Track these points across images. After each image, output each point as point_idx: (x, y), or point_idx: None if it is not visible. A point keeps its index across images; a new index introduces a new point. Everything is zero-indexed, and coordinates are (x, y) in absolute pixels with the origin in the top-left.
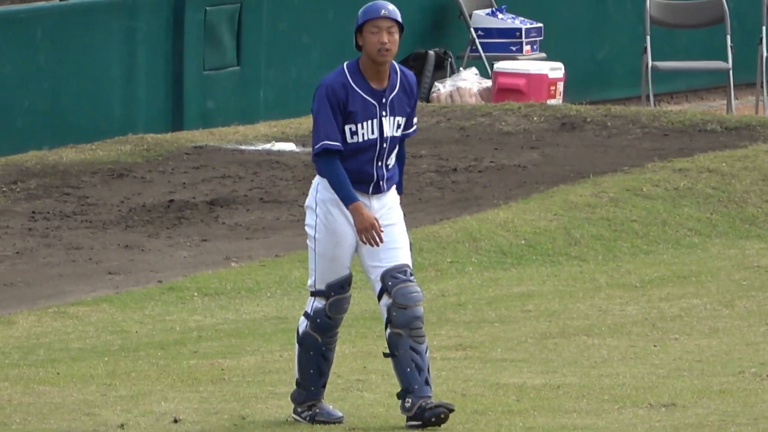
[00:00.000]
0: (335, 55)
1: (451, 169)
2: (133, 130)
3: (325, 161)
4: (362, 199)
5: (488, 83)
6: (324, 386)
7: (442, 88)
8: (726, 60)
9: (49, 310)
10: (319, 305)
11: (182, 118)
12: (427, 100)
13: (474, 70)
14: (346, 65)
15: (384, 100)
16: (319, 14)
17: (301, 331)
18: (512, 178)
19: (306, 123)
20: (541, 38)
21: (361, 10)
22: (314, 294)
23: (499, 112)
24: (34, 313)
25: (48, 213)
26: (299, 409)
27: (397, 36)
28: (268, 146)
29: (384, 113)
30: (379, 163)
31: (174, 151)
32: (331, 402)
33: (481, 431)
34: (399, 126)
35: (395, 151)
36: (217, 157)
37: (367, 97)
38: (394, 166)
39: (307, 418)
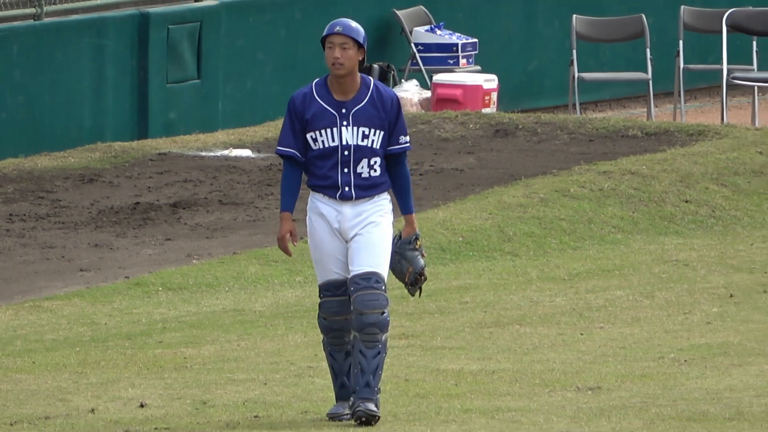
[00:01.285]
0: (287, 69)
1: None
2: (101, 139)
3: (284, 166)
4: (331, 204)
5: (428, 94)
6: (342, 387)
7: None
8: (646, 71)
9: (25, 304)
10: (319, 311)
11: (147, 128)
12: None
13: (415, 81)
14: (318, 79)
15: (345, 111)
16: (272, 33)
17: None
18: (450, 180)
19: (261, 131)
20: (476, 52)
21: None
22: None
23: (438, 120)
24: (11, 308)
25: (24, 215)
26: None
27: (351, 51)
28: (226, 152)
29: (345, 123)
30: (345, 170)
31: (139, 158)
32: (284, 387)
33: (423, 413)
34: (365, 136)
35: (368, 161)
36: (179, 163)
37: (327, 107)
38: (371, 179)
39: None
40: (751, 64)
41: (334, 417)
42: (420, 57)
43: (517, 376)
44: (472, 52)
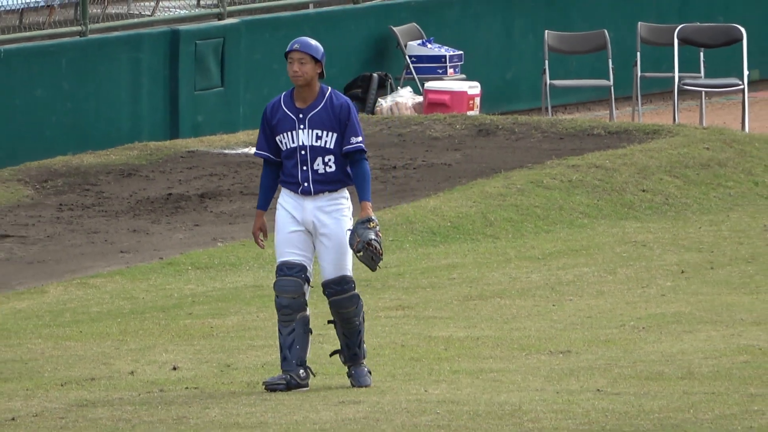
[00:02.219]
0: None
1: (391, 167)
2: (138, 139)
3: (263, 167)
4: (295, 198)
5: (420, 99)
6: (284, 360)
7: (384, 103)
8: (608, 78)
9: (74, 281)
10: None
11: (178, 129)
12: (372, 112)
13: (409, 88)
14: (286, 91)
15: (302, 116)
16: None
17: None
18: (440, 173)
19: None
20: (462, 63)
21: None
22: None
23: (429, 121)
24: (61, 284)
25: (72, 205)
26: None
27: (308, 66)
28: (246, 150)
29: (302, 126)
30: (304, 168)
31: (171, 155)
32: None
33: (417, 374)
34: (319, 138)
35: (322, 159)
36: (206, 160)
37: (289, 113)
38: (327, 174)
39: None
40: (699, 72)
41: (269, 386)
42: (413, 67)
43: (498, 341)
44: (459, 63)
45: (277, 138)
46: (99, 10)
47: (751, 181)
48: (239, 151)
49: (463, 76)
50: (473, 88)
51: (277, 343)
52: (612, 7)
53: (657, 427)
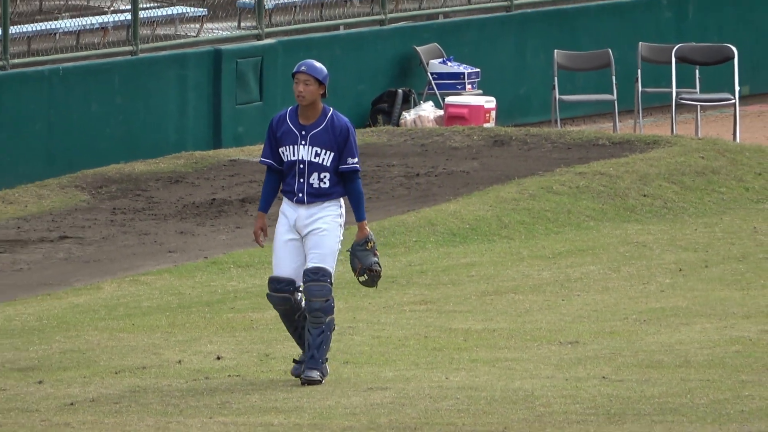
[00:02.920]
0: (329, 93)
1: (414, 174)
2: (184, 148)
3: (265, 173)
4: (291, 206)
5: (441, 112)
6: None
7: (408, 116)
8: (612, 93)
9: (126, 278)
10: None
11: (220, 140)
12: (397, 124)
13: (431, 103)
14: (292, 106)
15: (304, 132)
16: None
17: None
18: (459, 180)
19: None
20: (479, 79)
21: None
22: None
23: (449, 132)
24: (115, 281)
25: (124, 209)
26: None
27: (312, 87)
28: None
29: (303, 142)
30: (301, 180)
31: (215, 164)
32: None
33: (439, 363)
34: (317, 155)
35: (318, 174)
36: (246, 168)
37: (293, 128)
38: (321, 189)
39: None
40: (695, 87)
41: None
42: (435, 83)
43: (512, 333)
44: (476, 80)
45: (280, 149)
46: (149, 32)
47: (742, 186)
48: None
49: (480, 91)
50: (489, 102)
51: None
52: (616, 29)
53: (657, 410)
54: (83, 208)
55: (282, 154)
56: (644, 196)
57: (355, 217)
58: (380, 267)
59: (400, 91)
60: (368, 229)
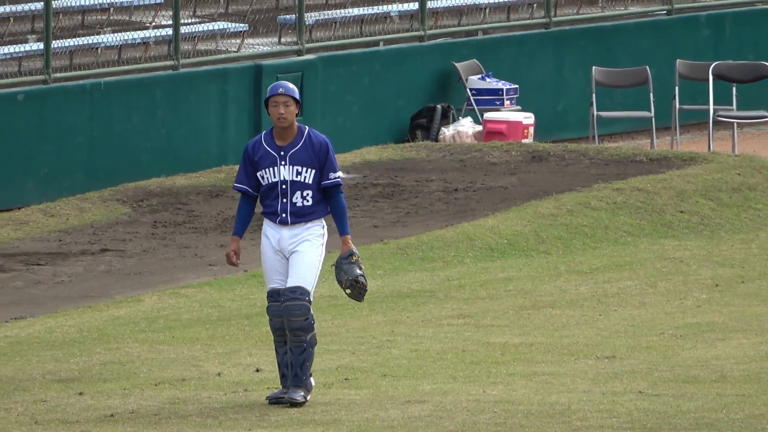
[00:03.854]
0: (369, 108)
1: (453, 189)
2: (225, 162)
3: (240, 199)
4: (274, 227)
5: (479, 128)
6: (283, 376)
7: (447, 131)
8: (649, 110)
9: (167, 291)
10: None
11: None
12: (436, 140)
13: (470, 118)
14: (266, 130)
15: (283, 153)
16: (358, 80)
17: None
18: (497, 195)
19: (349, 157)
20: (518, 96)
21: (268, 89)
22: None
23: (488, 148)
24: (156, 294)
25: (165, 222)
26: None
27: (291, 107)
28: None
29: (283, 163)
30: (284, 200)
31: None
32: (368, 356)
33: (476, 376)
34: (299, 173)
35: (301, 193)
36: None
37: (270, 151)
38: (304, 207)
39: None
40: (732, 105)
41: (272, 399)
42: (474, 99)
43: (549, 347)
44: (514, 96)
45: (259, 174)
46: (190, 47)
47: None
48: None
49: (519, 107)
50: (528, 118)
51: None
52: (653, 46)
53: (693, 425)
54: (124, 221)
55: (261, 178)
56: (681, 212)
57: (339, 231)
58: (365, 280)
59: (439, 106)
60: (352, 244)
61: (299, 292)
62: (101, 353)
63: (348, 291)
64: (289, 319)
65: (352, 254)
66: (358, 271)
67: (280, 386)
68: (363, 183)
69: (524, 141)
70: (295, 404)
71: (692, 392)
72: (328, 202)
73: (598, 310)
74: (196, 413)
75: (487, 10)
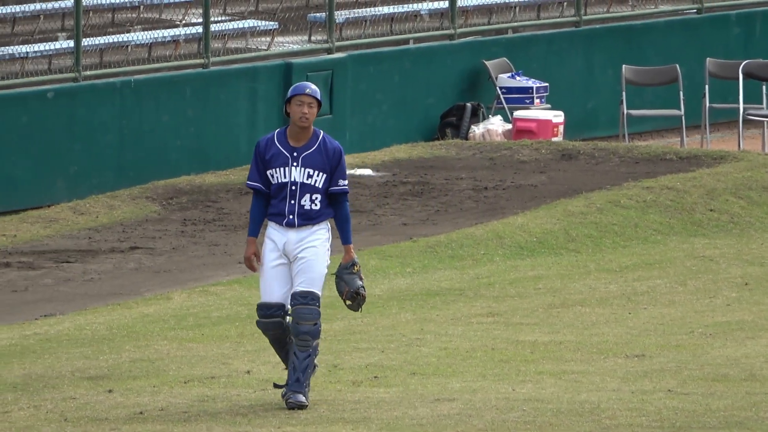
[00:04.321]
0: (399, 107)
1: (483, 188)
2: None
3: (252, 198)
4: (280, 230)
5: (509, 126)
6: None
7: (477, 129)
8: (679, 108)
9: (196, 289)
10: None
11: None
12: (466, 138)
13: (499, 117)
14: (279, 129)
15: (296, 154)
16: (388, 78)
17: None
18: (527, 193)
19: (379, 155)
20: (547, 94)
21: (291, 88)
22: None
23: (517, 146)
24: (185, 292)
25: (195, 220)
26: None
27: (315, 109)
28: (351, 171)
29: (295, 164)
30: (292, 202)
31: None
32: (397, 354)
33: (505, 374)
34: (310, 176)
35: (310, 196)
36: None
37: (283, 150)
38: (312, 211)
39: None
40: (762, 103)
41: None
42: (503, 97)
43: (579, 346)
44: (544, 94)
45: (269, 172)
46: (220, 45)
47: None
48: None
49: (549, 105)
50: (557, 116)
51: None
52: (683, 45)
53: (722, 424)
54: (154, 219)
55: (271, 177)
56: (711, 210)
57: (343, 239)
58: (365, 291)
59: (468, 105)
60: (354, 253)
61: (310, 297)
62: (130, 351)
63: (348, 303)
64: (299, 323)
65: (354, 264)
66: (359, 282)
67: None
68: (393, 181)
69: (554, 139)
70: (301, 406)
71: (722, 391)
72: (333, 208)
73: (628, 309)
74: (225, 411)
75: (517, 9)
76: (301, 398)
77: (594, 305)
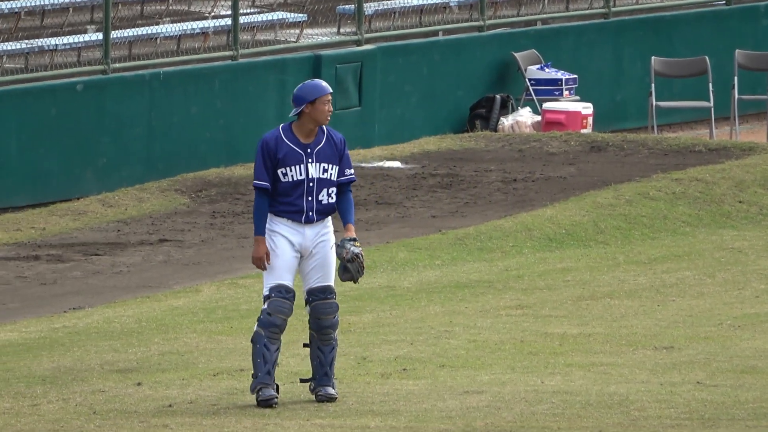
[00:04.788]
0: (428, 99)
1: (512, 179)
2: None
3: (256, 195)
4: (295, 227)
5: (538, 118)
6: (269, 374)
7: (506, 121)
8: (708, 100)
9: (225, 281)
10: (264, 308)
11: None
12: (495, 130)
13: (528, 108)
14: (282, 126)
15: (309, 151)
16: (417, 70)
17: (253, 333)
18: (556, 185)
19: (408, 147)
20: (576, 86)
21: (308, 89)
22: (264, 299)
23: (547, 138)
24: (214, 284)
25: (224, 212)
26: (255, 395)
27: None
28: (380, 164)
29: (310, 160)
30: (309, 198)
31: None
32: (426, 346)
33: (534, 367)
34: (325, 170)
35: (326, 190)
36: None
37: (295, 148)
38: (329, 204)
39: (259, 400)
40: None
41: (265, 402)
42: (532, 89)
43: (607, 338)
44: (573, 86)
45: (280, 171)
46: (249, 37)
47: None
48: (374, 164)
49: (578, 97)
50: (587, 108)
51: (252, 359)
52: (713, 36)
53: (751, 415)
54: (183, 211)
55: (283, 176)
56: (740, 202)
57: (346, 219)
58: (364, 260)
59: (498, 96)
60: (354, 233)
61: (328, 292)
62: (159, 343)
63: (349, 264)
64: (321, 318)
65: (355, 239)
66: (358, 250)
67: (266, 384)
68: (422, 173)
69: (583, 131)
70: (331, 399)
71: (750, 383)
72: (338, 196)
73: (657, 301)
74: (254, 403)
75: (546, 1)
76: (331, 391)
77: (623, 297)
